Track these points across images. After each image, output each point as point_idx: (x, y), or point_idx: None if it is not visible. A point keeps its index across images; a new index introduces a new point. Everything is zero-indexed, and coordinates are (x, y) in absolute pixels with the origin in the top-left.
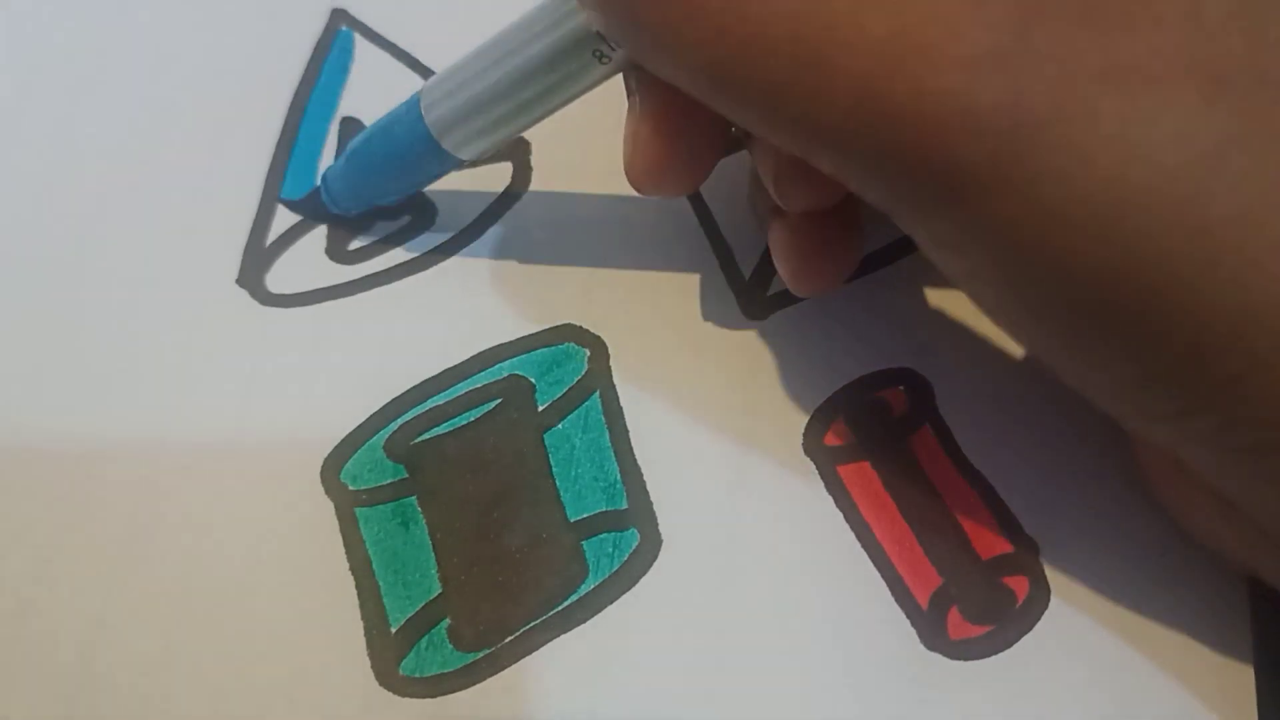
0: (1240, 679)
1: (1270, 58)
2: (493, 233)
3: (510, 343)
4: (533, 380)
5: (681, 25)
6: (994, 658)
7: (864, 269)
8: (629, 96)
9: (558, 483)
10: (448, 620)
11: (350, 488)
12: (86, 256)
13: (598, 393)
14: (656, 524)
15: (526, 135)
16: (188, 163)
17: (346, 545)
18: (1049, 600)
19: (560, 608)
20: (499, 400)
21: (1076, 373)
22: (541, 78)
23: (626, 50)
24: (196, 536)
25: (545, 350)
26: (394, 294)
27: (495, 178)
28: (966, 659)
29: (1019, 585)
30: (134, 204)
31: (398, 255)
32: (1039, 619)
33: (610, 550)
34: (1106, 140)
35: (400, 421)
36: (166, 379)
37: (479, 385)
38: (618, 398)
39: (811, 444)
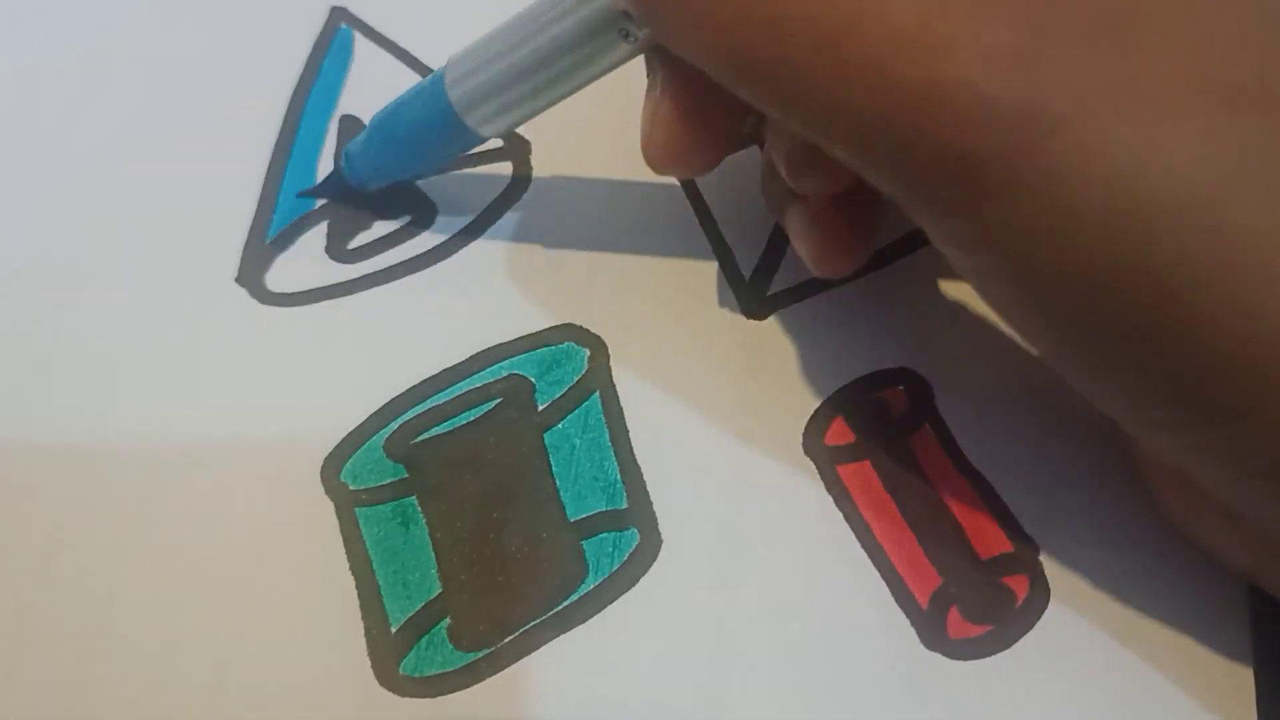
0: (1240, 679)
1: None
2: (492, 232)
3: (510, 342)
4: (533, 380)
5: (705, 6)
6: (994, 657)
7: (864, 268)
8: (649, 75)
9: (558, 482)
10: (448, 620)
11: (350, 487)
12: (86, 255)
13: (598, 393)
14: (656, 524)
15: (527, 135)
16: (187, 161)
17: (346, 545)
18: (1049, 600)
19: (560, 608)
20: (499, 400)
21: (1085, 377)
22: (566, 56)
23: (651, 30)
24: (196, 536)
25: (545, 350)
26: (394, 293)
27: (495, 178)
28: (966, 659)
29: (1019, 585)
30: (133, 203)
31: (398, 255)
32: (1039, 619)
33: (610, 550)
34: (1125, 140)
35: (400, 421)
36: (166, 378)
37: (479, 385)
38: (618, 398)
39: (811, 444)
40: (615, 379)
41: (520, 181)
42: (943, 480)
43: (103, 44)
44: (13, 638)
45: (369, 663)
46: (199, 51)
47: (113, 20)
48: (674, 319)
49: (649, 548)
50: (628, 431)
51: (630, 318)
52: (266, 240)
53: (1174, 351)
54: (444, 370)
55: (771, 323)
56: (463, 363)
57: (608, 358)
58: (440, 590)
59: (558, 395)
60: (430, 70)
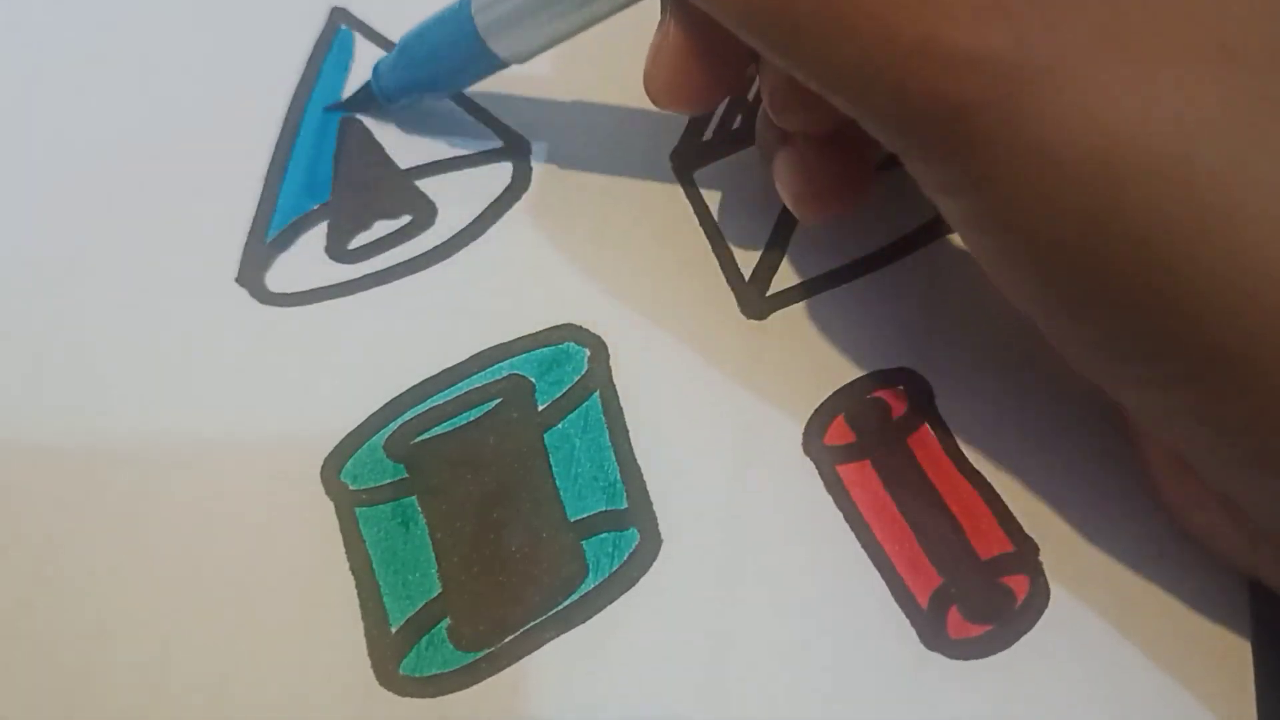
0: (1240, 679)
1: None
2: (493, 232)
3: (510, 342)
4: (533, 380)
5: None
6: (994, 657)
7: (864, 269)
8: (662, 9)
9: (558, 482)
10: (448, 620)
11: (350, 487)
12: (86, 255)
13: (598, 392)
14: (656, 524)
15: (527, 135)
16: (187, 161)
17: (346, 545)
18: (1049, 600)
19: (560, 607)
20: (499, 400)
21: (1068, 334)
22: None
23: None
24: (196, 536)
25: (545, 350)
26: (394, 294)
27: (495, 178)
28: (966, 659)
29: (1019, 585)
30: (133, 203)
31: (398, 255)
32: (1039, 619)
33: (610, 550)
34: (1103, 90)
35: (400, 421)
36: (166, 378)
37: (479, 385)
38: (618, 398)
39: (811, 444)
40: (615, 379)
41: (520, 181)
42: (943, 480)
43: (103, 44)
44: (12, 638)
45: (369, 663)
46: (199, 51)
47: (113, 20)
48: (674, 319)
49: (649, 548)
50: (628, 431)
51: (630, 318)
52: (266, 240)
53: (1151, 300)
54: (444, 370)
55: (771, 323)
56: (463, 363)
57: (608, 358)
58: (440, 590)
59: (558, 395)
60: None
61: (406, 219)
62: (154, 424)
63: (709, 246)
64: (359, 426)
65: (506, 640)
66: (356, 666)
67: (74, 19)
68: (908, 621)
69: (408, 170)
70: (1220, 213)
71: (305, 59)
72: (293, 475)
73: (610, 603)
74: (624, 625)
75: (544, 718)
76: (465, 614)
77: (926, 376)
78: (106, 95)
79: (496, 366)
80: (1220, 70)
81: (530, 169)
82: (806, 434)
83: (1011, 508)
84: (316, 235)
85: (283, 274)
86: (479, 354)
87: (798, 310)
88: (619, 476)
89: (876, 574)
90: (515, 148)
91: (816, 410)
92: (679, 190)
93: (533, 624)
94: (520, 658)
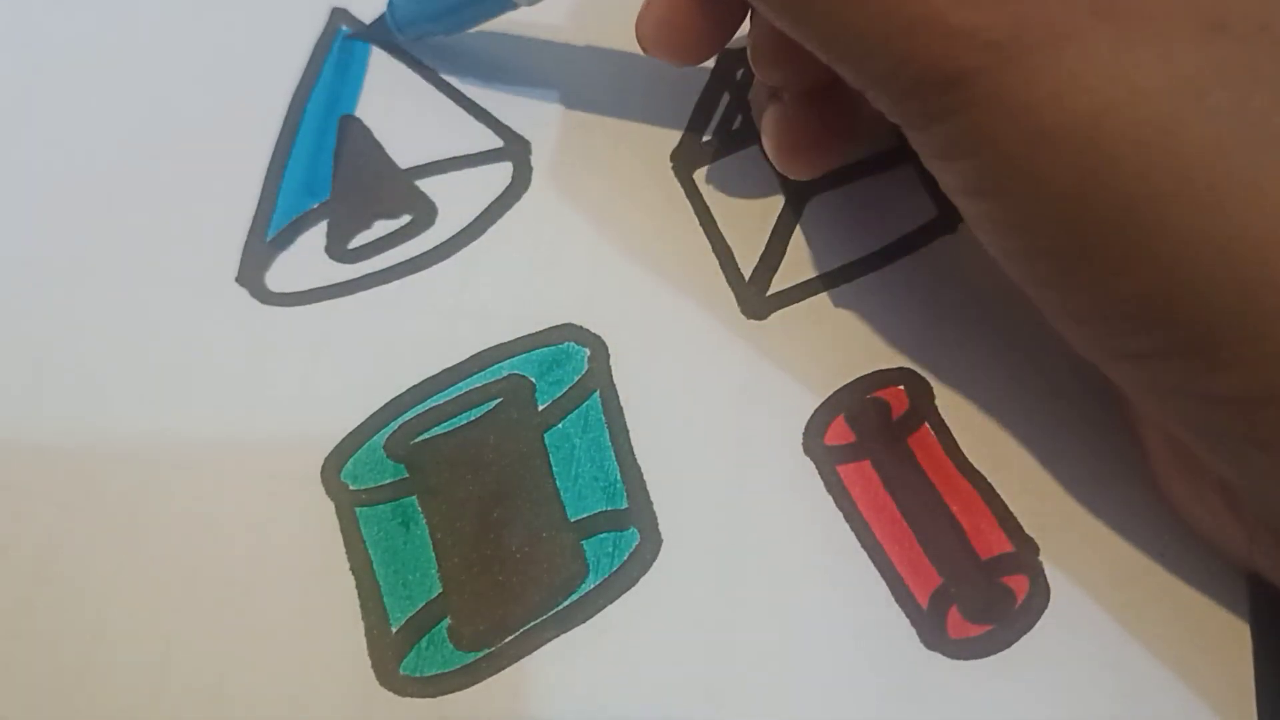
0: (1240, 679)
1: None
2: (493, 232)
3: (510, 342)
4: (533, 380)
5: None
6: (994, 657)
7: (864, 269)
8: None
9: (558, 482)
10: (448, 620)
11: (350, 487)
12: (86, 255)
13: (598, 392)
14: (656, 523)
15: (527, 135)
16: (188, 161)
17: (347, 545)
18: (1049, 600)
19: (560, 607)
20: (499, 400)
21: (1060, 303)
22: None
23: None
24: (197, 536)
25: (545, 350)
26: (394, 293)
27: (495, 178)
28: (966, 658)
29: (1019, 585)
30: (134, 202)
31: (398, 255)
32: (1039, 619)
33: (610, 550)
34: (1094, 60)
35: (400, 421)
36: (166, 378)
37: (479, 385)
38: (618, 397)
39: (811, 444)
40: (615, 379)
41: (520, 181)
42: (943, 480)
43: (103, 44)
44: (12, 638)
45: (369, 663)
46: (199, 51)
47: (113, 20)
48: (674, 319)
49: (649, 548)
50: (628, 431)
51: (630, 318)
52: (266, 240)
53: (1140, 268)
54: (444, 370)
55: (771, 323)
56: (463, 363)
57: (608, 358)
58: (440, 590)
59: (558, 395)
60: (430, 70)
61: (406, 219)
62: (154, 424)
63: (709, 246)
64: (359, 426)
65: (507, 640)
66: (357, 666)
67: (74, 19)
68: (908, 621)
69: (408, 170)
70: (1205, 181)
71: (305, 59)
72: (293, 475)
73: (610, 603)
74: (624, 625)
75: (544, 718)
76: (465, 614)
77: (926, 376)
78: (107, 95)
79: (496, 366)
80: (1208, 42)
81: (530, 169)
82: (806, 434)
83: (1011, 508)
84: (316, 234)
85: (283, 273)
86: (479, 354)
87: (798, 310)
88: (619, 476)
89: (876, 574)
90: (515, 148)
91: (816, 410)
92: (679, 190)
93: (533, 624)
94: (520, 658)
